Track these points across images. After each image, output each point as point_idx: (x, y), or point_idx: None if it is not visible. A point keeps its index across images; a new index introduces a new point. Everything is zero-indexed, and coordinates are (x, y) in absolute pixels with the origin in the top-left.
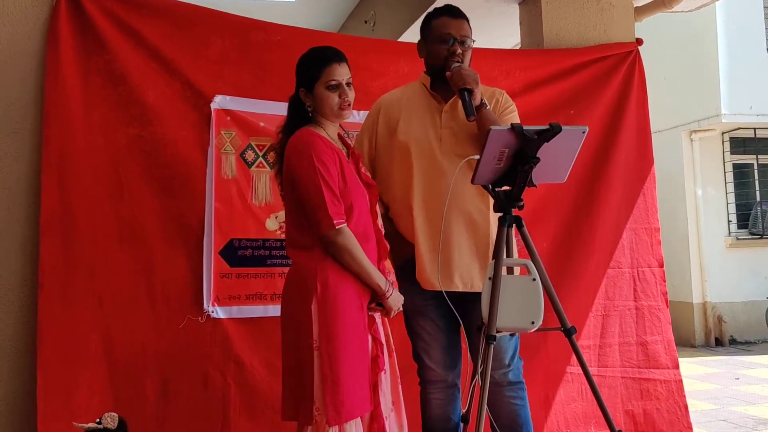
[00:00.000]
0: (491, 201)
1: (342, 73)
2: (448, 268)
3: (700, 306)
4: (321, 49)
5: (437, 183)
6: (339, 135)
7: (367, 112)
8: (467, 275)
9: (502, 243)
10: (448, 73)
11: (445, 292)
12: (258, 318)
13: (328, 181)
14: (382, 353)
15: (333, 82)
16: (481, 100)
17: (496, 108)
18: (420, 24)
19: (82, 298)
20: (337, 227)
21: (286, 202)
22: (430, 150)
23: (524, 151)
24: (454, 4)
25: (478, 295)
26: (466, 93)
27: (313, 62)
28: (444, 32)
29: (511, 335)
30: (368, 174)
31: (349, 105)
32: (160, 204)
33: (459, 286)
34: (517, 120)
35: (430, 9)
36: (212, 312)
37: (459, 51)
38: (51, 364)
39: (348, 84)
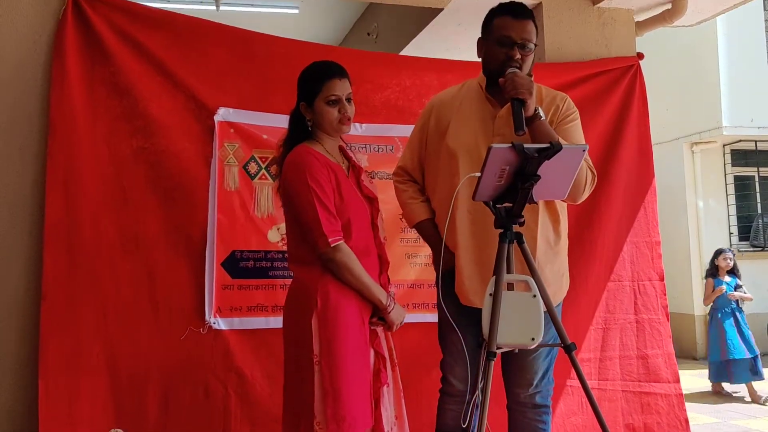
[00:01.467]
0: (540, 221)
1: (342, 88)
2: (486, 285)
3: (701, 318)
4: (322, 64)
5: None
6: (341, 148)
7: (370, 125)
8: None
9: (502, 259)
10: (501, 80)
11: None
12: (259, 329)
13: (322, 199)
14: (385, 367)
15: (333, 97)
16: (536, 110)
17: (555, 116)
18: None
19: (85, 308)
20: (333, 245)
21: (286, 218)
22: (478, 158)
23: (525, 168)
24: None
25: None
26: (517, 103)
27: (314, 77)
28: (504, 34)
29: (546, 355)
30: (370, 187)
31: (348, 119)
32: (164, 215)
33: None
34: (578, 130)
35: (494, 5)
36: (214, 323)
37: (518, 56)
38: (53, 373)
39: (348, 99)
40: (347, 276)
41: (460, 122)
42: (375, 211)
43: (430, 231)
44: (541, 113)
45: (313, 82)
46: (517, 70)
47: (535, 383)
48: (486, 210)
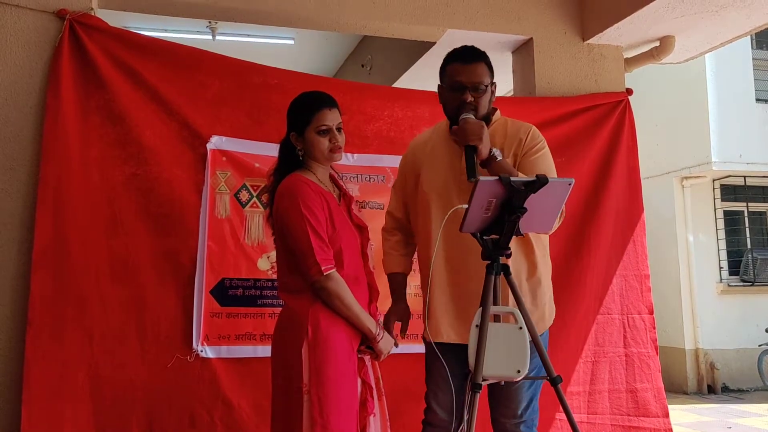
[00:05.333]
0: (513, 252)
1: (332, 118)
2: (464, 321)
3: (692, 352)
4: (312, 94)
5: (456, 232)
6: (331, 176)
7: (362, 155)
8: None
9: (489, 291)
10: (454, 127)
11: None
12: (247, 358)
13: (316, 228)
14: (372, 397)
15: (323, 127)
16: (491, 151)
17: (519, 149)
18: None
19: (72, 334)
20: (325, 273)
21: (276, 246)
22: (449, 198)
23: (511, 201)
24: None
25: None
26: (470, 150)
27: (305, 107)
28: (456, 80)
29: (530, 385)
30: (360, 216)
31: (339, 149)
32: (154, 242)
33: None
34: (545, 160)
35: (446, 53)
36: (201, 351)
37: (470, 99)
38: (36, 399)
39: (338, 129)
40: (338, 304)
41: (431, 165)
42: (365, 240)
43: (395, 285)
44: (497, 154)
45: (303, 113)
46: (469, 116)
47: (519, 413)
48: (462, 248)
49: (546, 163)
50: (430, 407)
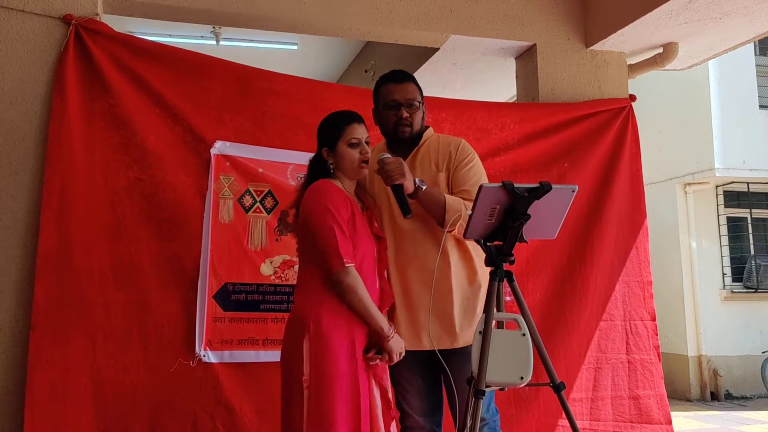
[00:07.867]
0: (453, 260)
1: (361, 131)
2: (414, 328)
3: (695, 359)
4: (342, 112)
5: (399, 244)
6: (356, 192)
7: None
8: (434, 334)
9: (492, 297)
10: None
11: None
12: (249, 363)
13: (339, 222)
14: (393, 400)
15: (354, 140)
16: (415, 182)
17: (450, 164)
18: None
19: (75, 338)
20: (345, 266)
21: (299, 247)
22: (391, 212)
23: (515, 207)
24: (402, 68)
25: (454, 349)
26: (396, 189)
27: (336, 122)
28: (390, 99)
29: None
30: (380, 228)
31: (367, 162)
32: (157, 246)
33: (426, 345)
34: (476, 170)
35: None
36: (204, 356)
37: (406, 114)
38: (39, 403)
39: (367, 142)
40: (353, 299)
41: (372, 180)
42: (383, 249)
43: None
44: (421, 184)
45: (335, 127)
46: (386, 156)
47: (482, 416)
48: (402, 255)
49: (475, 172)
50: (405, 412)
